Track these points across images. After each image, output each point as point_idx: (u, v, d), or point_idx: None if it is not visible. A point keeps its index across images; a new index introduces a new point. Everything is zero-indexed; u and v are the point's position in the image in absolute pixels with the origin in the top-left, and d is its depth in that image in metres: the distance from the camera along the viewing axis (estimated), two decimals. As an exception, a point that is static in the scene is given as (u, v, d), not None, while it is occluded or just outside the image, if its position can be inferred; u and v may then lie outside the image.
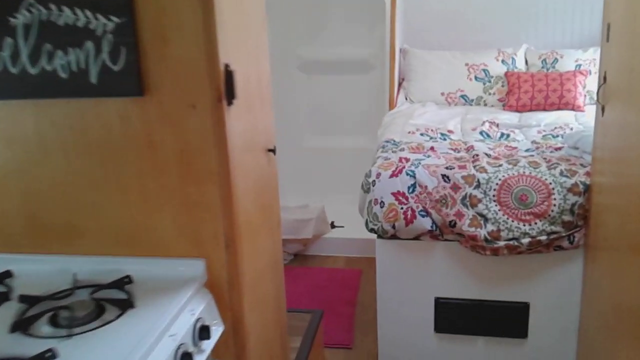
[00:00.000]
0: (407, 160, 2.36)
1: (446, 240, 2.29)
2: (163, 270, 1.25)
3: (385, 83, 3.59)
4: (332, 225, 3.95)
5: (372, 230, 2.32)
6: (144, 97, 1.18)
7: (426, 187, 2.23)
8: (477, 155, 2.37)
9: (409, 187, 2.25)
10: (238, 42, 1.30)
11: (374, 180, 2.31)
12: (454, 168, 2.25)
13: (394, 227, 2.26)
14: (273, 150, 1.68)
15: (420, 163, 2.31)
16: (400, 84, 3.74)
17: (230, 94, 1.19)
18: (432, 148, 2.52)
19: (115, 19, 1.14)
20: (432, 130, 2.85)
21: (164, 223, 1.25)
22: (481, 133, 2.80)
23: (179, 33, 1.13)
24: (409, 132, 2.82)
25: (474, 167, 2.25)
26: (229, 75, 1.18)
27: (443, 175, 2.24)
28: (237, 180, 1.27)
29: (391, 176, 2.28)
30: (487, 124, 2.90)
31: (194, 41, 1.13)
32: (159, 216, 1.24)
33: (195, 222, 1.24)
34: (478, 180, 2.20)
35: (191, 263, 1.24)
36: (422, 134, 2.79)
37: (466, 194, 2.20)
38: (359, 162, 4.16)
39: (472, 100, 3.49)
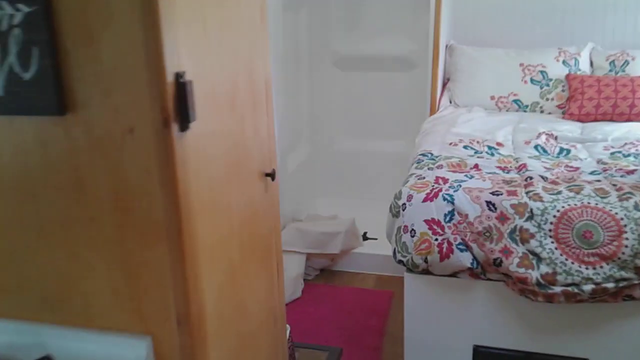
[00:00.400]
0: (445, 180, 1.98)
1: (489, 279, 1.90)
2: (94, 348, 0.93)
3: (427, 83, 3.19)
4: (365, 237, 3.59)
5: (400, 262, 1.96)
6: (66, 116, 0.85)
7: (467, 215, 1.85)
8: (531, 178, 1.96)
9: (445, 215, 1.87)
10: (204, 41, 0.96)
11: (405, 204, 1.94)
12: (501, 194, 1.86)
13: (426, 261, 1.89)
14: (272, 175, 1.34)
15: (460, 186, 1.92)
16: (444, 85, 3.34)
17: (184, 115, 0.85)
18: (476, 166, 2.13)
19: (24, 7, 0.81)
20: (477, 142, 2.45)
21: (98, 286, 0.92)
22: (536, 147, 2.39)
23: (109, 29, 0.80)
24: (450, 144, 2.43)
25: (527, 193, 1.85)
26: (181, 88, 0.84)
27: (488, 203, 1.85)
28: (200, 231, 0.93)
29: (425, 200, 1.90)
30: (543, 137, 2.48)
31: (130, 40, 0.80)
32: (90, 276, 0.92)
33: (138, 289, 0.91)
34: (531, 211, 1.80)
35: (132, 342, 0.92)
36: (465, 147, 2.39)
37: (516, 227, 1.80)
38: (396, 169, 3.80)
39: (527, 107, 3.06)
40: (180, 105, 0.84)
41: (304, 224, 3.28)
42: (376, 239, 3.60)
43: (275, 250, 1.41)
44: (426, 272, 1.93)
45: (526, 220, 1.80)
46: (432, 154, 2.31)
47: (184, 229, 0.87)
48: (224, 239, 1.06)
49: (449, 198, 1.88)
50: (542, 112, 3.04)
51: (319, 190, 4.08)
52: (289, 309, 2.95)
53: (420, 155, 2.32)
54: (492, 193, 1.86)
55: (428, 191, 1.92)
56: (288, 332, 2.15)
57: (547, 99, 3.04)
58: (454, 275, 1.92)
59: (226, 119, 1.08)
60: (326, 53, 3.85)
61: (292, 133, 3.61)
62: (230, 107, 1.10)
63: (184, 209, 0.86)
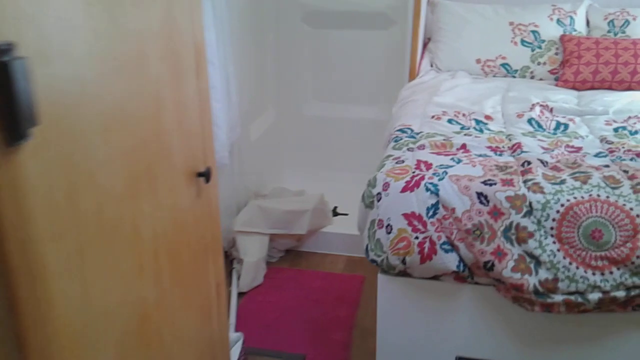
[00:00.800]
0: (429, 166, 1.66)
1: (477, 283, 1.61)
2: None
3: (406, 43, 2.84)
4: (335, 212, 3.28)
5: (373, 262, 1.66)
6: None
7: (453, 210, 1.54)
8: (529, 163, 1.65)
9: (428, 209, 1.56)
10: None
11: (380, 194, 1.62)
12: (495, 183, 1.55)
13: (404, 262, 1.59)
14: (206, 175, 1.01)
15: (446, 173, 1.61)
16: (425, 45, 2.99)
17: (11, 120, 0.51)
18: (463, 146, 1.81)
19: None
20: (463, 114, 2.13)
21: None
22: (530, 121, 2.08)
23: None
24: (433, 117, 2.11)
25: (525, 182, 1.55)
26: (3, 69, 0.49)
27: (479, 194, 1.54)
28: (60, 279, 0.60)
29: (404, 190, 1.59)
30: (537, 109, 2.17)
31: None
32: None
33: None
34: (530, 205, 1.50)
35: None
36: (450, 120, 2.07)
37: (511, 224, 1.50)
38: (370, 137, 3.48)
39: (516, 71, 2.74)
40: (6, 100, 0.50)
41: (266, 202, 2.95)
42: (347, 214, 3.30)
43: (214, 270, 1.10)
44: (404, 274, 1.64)
45: (524, 216, 1.50)
46: (412, 130, 1.98)
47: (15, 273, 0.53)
48: (127, 281, 0.74)
49: (432, 188, 1.57)
50: (532, 77, 2.72)
51: (286, 161, 3.74)
52: (249, 297, 2.65)
53: (398, 131, 1.99)
54: (484, 182, 1.55)
55: (408, 179, 1.60)
56: (241, 340, 1.85)
57: (539, 63, 2.72)
58: (435, 277, 1.63)
59: (126, 105, 0.74)
60: (294, 7, 3.45)
61: (256, 97, 3.24)
62: (131, 91, 0.76)
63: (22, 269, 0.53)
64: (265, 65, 3.41)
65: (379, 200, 1.62)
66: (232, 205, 3.00)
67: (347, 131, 3.60)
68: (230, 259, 2.87)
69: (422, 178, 1.59)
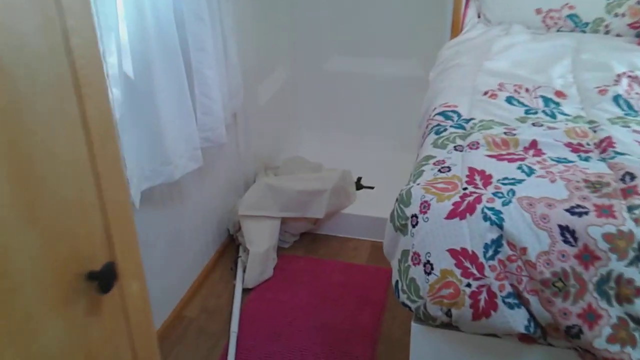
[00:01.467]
0: (487, 179, 1.18)
1: (551, 345, 1.16)
2: None
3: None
4: (359, 185, 2.83)
5: (405, 306, 1.21)
6: None
7: (524, 250, 1.08)
8: (633, 177, 1.16)
9: (487, 246, 1.10)
10: None
11: (416, 217, 1.16)
12: (586, 212, 1.07)
13: (449, 314, 1.14)
14: (107, 277, 0.55)
15: (514, 193, 1.13)
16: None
17: None
18: (533, 144, 1.31)
19: None
20: (526, 89, 1.62)
21: None
22: (616, 100, 1.56)
23: None
24: (486, 93, 1.60)
25: (630, 211, 1.06)
26: None
27: (563, 229, 1.06)
28: None
29: (451, 215, 1.12)
30: (624, 81, 1.65)
31: None
32: None
33: None
34: (639, 246, 1.03)
35: None
36: (509, 99, 1.56)
37: (610, 274, 1.04)
38: (402, 97, 2.98)
39: (586, 25, 2.18)
40: None
41: (278, 180, 2.50)
42: (373, 187, 2.85)
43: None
44: (447, 325, 1.19)
45: (630, 263, 1.03)
46: (459, 115, 1.48)
47: None
48: None
49: (493, 217, 1.09)
50: (607, 33, 2.17)
51: (302, 126, 3.25)
52: (256, 295, 2.25)
53: (439, 115, 1.50)
54: (571, 210, 1.07)
55: (457, 199, 1.13)
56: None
57: (616, 15, 2.15)
58: (493, 334, 1.18)
59: None
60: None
61: (264, 53, 2.74)
62: None
63: None
64: (276, 12, 2.89)
65: (414, 226, 1.16)
66: (239, 181, 2.56)
67: (375, 90, 3.08)
68: (236, 244, 2.46)
69: (478, 200, 1.12)
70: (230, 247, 2.49)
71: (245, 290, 2.25)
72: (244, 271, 2.29)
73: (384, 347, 2.00)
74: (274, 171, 2.70)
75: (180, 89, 1.73)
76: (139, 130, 1.61)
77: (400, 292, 1.21)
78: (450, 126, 1.42)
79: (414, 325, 1.23)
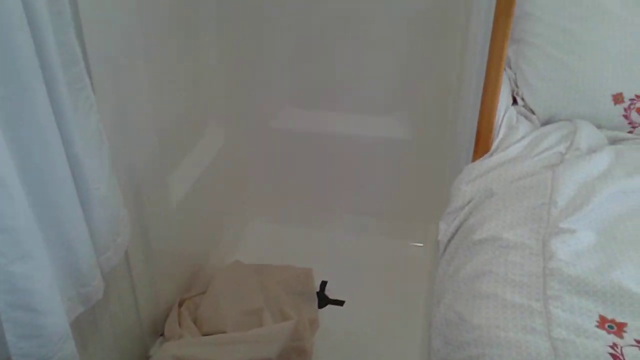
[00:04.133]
0: None
1: None
2: None
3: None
4: (324, 298, 2.01)
5: None
6: None
7: None
8: None
9: None
10: None
11: None
12: None
13: None
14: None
15: None
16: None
17: None
18: None
19: None
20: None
21: None
22: None
23: None
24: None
25: None
26: None
27: None
28: None
29: None
30: None
31: None
32: None
33: None
34: None
35: None
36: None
37: None
38: (381, 163, 2.12)
39: None
40: None
41: (191, 349, 1.58)
42: (342, 303, 2.01)
43: None
44: None
45: None
46: None
47: None
48: None
49: None
50: None
51: (246, 208, 2.36)
52: None
53: None
54: None
55: None
56: None
57: None
58: None
59: None
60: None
61: (186, 114, 1.83)
62: None
63: None
64: (200, 51, 1.95)
65: None
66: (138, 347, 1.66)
67: (343, 154, 2.20)
68: None
69: None
70: None
71: None
72: None
73: None
74: (194, 303, 1.79)
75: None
76: None
77: None
78: None
79: None
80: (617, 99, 1.31)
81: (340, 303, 2.00)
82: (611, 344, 0.75)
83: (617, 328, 0.78)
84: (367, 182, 2.21)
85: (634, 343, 0.76)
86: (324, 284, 2.06)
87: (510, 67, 1.43)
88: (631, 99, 1.30)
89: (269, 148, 2.23)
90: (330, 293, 2.02)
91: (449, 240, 1.07)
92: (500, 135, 1.24)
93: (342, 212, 2.28)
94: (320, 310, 1.93)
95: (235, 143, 2.16)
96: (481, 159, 1.22)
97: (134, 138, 1.43)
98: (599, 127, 1.31)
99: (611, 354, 0.74)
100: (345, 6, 1.92)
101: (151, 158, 1.53)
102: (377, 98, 2.06)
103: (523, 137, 1.24)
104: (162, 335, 1.67)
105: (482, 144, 1.22)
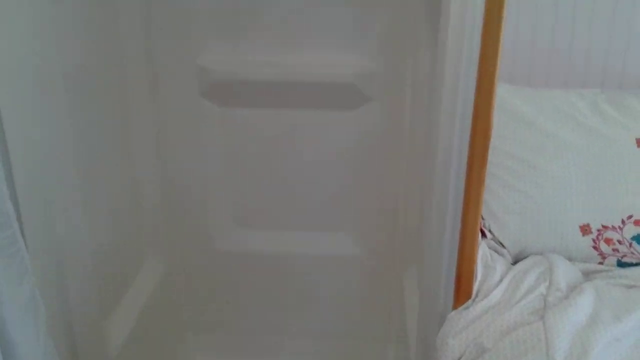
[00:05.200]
0: None
1: None
2: None
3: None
4: None
5: None
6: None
7: None
8: None
9: None
10: None
11: None
12: None
13: None
14: None
15: None
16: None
17: None
18: None
19: None
20: None
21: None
22: None
23: None
24: None
25: None
26: None
27: None
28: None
29: None
30: None
31: None
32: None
33: None
34: None
35: None
36: None
37: None
38: (334, 283, 2.04)
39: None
40: None
41: None
42: None
43: None
44: None
45: None
46: None
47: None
48: None
49: None
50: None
51: (189, 346, 2.19)
52: None
53: None
54: None
55: None
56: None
57: None
58: None
59: None
60: (187, 75, 1.86)
61: (119, 249, 1.68)
62: None
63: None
64: (135, 164, 1.83)
65: None
66: None
67: (293, 276, 2.09)
68: None
69: None
70: None
71: None
72: None
73: None
74: None
75: None
76: None
77: None
78: None
79: None
80: (585, 230, 1.30)
81: None
82: None
83: None
84: (318, 303, 2.10)
85: None
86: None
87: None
88: (598, 230, 1.29)
89: (212, 274, 2.08)
90: None
91: None
92: (479, 277, 1.19)
93: (293, 337, 2.14)
94: None
95: (177, 270, 2.01)
96: (463, 307, 1.15)
97: (70, 288, 1.30)
98: (569, 259, 1.29)
99: None
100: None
101: (87, 304, 1.39)
102: (323, 215, 1.99)
103: (502, 279, 1.20)
104: None
105: (463, 289, 1.16)
